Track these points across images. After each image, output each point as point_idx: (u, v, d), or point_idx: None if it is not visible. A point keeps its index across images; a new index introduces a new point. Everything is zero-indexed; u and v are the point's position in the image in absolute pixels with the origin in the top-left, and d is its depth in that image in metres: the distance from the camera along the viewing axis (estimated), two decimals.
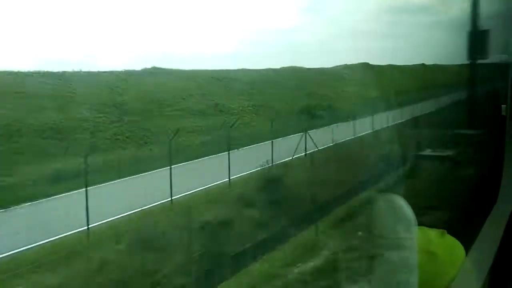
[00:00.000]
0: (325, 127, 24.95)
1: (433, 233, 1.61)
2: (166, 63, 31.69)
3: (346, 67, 41.41)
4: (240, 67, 33.59)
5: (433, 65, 48.64)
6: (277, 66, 36.99)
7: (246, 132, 23.74)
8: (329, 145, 21.40)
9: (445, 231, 1.63)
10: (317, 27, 48.14)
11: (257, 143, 21.96)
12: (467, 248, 1.71)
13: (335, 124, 25.71)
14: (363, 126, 25.56)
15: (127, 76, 26.58)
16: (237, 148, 20.20)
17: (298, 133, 21.66)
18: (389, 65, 43.71)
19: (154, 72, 28.31)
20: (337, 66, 41.39)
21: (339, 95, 35.24)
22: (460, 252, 1.63)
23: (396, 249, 1.46)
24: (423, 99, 30.98)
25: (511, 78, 2.85)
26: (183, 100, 26.99)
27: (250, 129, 25.57)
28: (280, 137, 21.81)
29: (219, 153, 19.33)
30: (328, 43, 50.40)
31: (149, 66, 28.71)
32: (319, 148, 20.52)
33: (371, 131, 25.25)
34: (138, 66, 28.28)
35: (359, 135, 25.17)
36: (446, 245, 1.60)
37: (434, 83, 37.45)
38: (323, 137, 21.47)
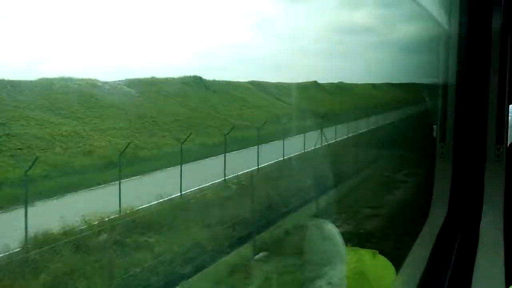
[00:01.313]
0: None
1: (364, 254, 1.62)
2: None
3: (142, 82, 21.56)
4: None
5: (337, 83, 36.16)
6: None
7: None
8: None
9: (377, 251, 1.64)
10: None
11: None
12: (397, 267, 1.74)
13: None
14: None
15: None
16: None
17: None
18: (251, 81, 25.38)
19: None
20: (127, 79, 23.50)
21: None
22: (390, 272, 1.64)
23: (325, 271, 1.44)
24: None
25: (441, 99, 3.03)
26: None
27: None
28: None
29: None
30: None
31: None
32: None
33: None
34: None
35: None
36: (377, 265, 1.61)
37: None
38: None
